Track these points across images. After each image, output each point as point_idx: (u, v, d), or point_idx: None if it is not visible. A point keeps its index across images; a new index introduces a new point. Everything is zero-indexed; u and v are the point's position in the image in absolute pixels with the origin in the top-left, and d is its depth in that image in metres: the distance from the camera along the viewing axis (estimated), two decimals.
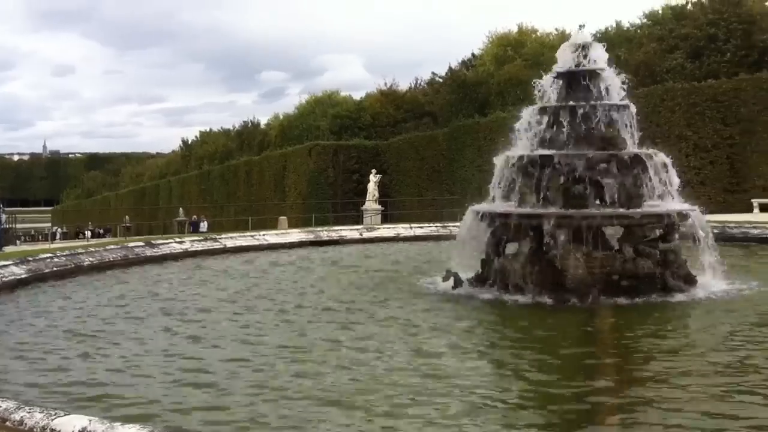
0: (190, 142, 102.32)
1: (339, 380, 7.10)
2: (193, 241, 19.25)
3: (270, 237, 20.62)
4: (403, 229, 22.47)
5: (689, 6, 43.36)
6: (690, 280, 12.10)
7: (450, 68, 58.75)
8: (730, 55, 37.84)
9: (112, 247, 17.19)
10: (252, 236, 20.41)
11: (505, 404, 6.48)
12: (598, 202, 12.45)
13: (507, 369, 7.69)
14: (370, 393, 6.70)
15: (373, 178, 40.60)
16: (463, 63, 59.69)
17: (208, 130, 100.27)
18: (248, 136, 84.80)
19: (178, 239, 19.48)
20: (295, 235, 21.37)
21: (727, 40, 38.39)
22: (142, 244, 17.93)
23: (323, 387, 6.90)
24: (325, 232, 21.74)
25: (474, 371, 7.53)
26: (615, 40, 47.28)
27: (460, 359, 7.98)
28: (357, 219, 38.61)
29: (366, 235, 21.87)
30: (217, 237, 20.03)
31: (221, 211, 60.70)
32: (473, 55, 60.08)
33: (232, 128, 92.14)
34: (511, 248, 12.84)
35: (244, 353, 8.24)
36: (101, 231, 59.57)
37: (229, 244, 19.25)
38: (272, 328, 9.76)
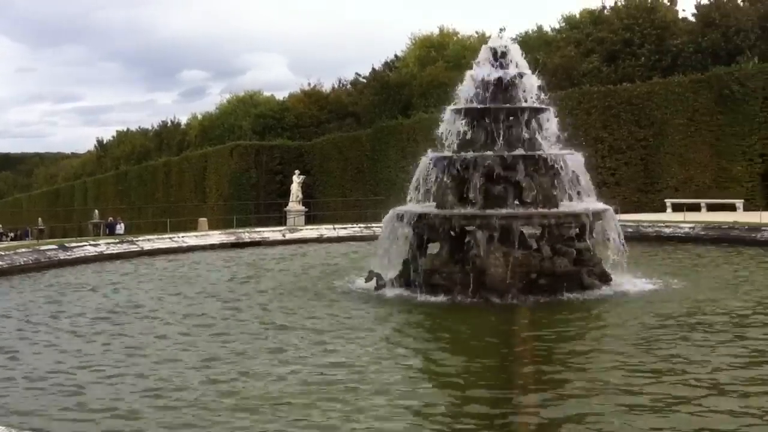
0: (105, 142, 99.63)
1: (250, 385, 7.01)
2: (109, 243, 18.71)
3: (189, 239, 20.23)
4: (326, 230, 22.39)
5: (606, 11, 44.59)
6: (605, 278, 12.41)
7: (373, 69, 58.93)
8: (644, 59, 39.08)
9: (23, 250, 16.55)
10: (171, 238, 19.97)
11: (421, 403, 6.50)
12: (517, 202, 12.65)
13: (424, 369, 7.72)
14: (285, 397, 6.63)
15: (297, 179, 40.34)
16: (387, 64, 59.91)
17: (125, 129, 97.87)
18: (167, 136, 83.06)
19: (92, 242, 18.92)
20: (216, 236, 21.03)
21: (642, 45, 39.63)
22: (54, 247, 17.31)
23: (226, 392, 6.82)
24: (246, 234, 21.45)
25: (390, 371, 7.53)
26: (535, 43, 48.30)
27: (377, 360, 7.96)
28: (280, 220, 38.30)
29: (289, 236, 21.69)
30: (134, 239, 19.52)
31: (139, 212, 59.30)
32: (396, 56, 60.39)
33: (151, 128, 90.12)
34: (432, 248, 12.93)
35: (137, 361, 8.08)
36: (13, 234, 57.31)
37: (147, 246, 18.79)
38: (177, 334, 9.43)
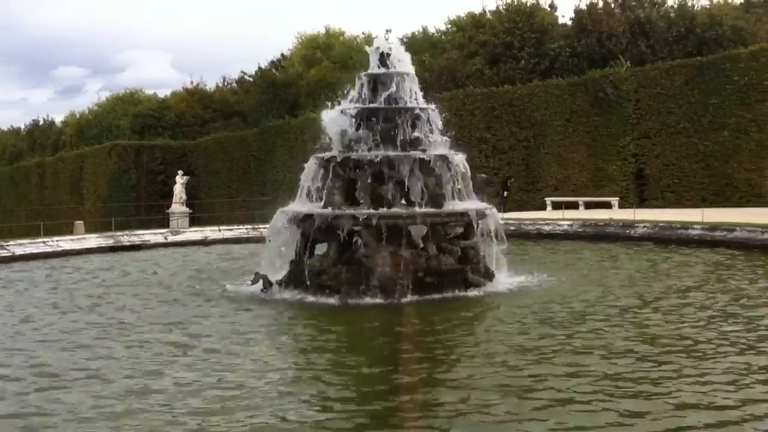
0: None
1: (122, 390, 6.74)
2: None
3: (64, 243, 19.31)
4: (211, 232, 21.90)
5: (488, 14, 45.64)
6: (488, 275, 12.70)
7: (260, 68, 58.06)
8: (524, 62, 40.25)
9: None
10: (44, 242, 19.00)
11: (310, 405, 6.41)
12: (403, 201, 12.73)
13: (311, 369, 7.61)
14: (164, 406, 6.39)
15: (180, 180, 39.29)
16: (273, 63, 59.21)
17: None
18: (41, 135, 79.12)
19: None
20: (93, 240, 20.15)
21: (522, 48, 40.80)
22: None
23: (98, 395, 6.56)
24: (126, 237, 20.67)
25: (277, 373, 7.40)
26: (421, 45, 48.92)
27: (262, 363, 7.81)
28: (163, 222, 37.18)
29: (171, 238, 21.07)
30: (4, 243, 18.46)
31: (10, 215, 56.18)
32: (283, 55, 59.81)
33: (23, 126, 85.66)
34: (320, 249, 12.85)
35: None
36: None
37: (18, 251, 17.81)
38: (50, 342, 9.00)
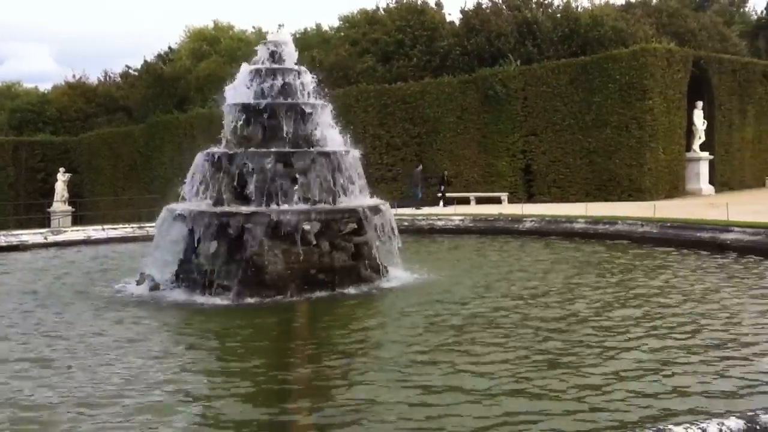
0: None
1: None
2: None
3: None
4: (94, 231, 20.95)
5: (380, 12, 45.88)
6: (383, 271, 12.67)
7: (146, 61, 56.33)
8: (416, 60, 40.68)
9: None
10: None
11: (197, 404, 6.16)
12: (296, 198, 12.54)
13: (200, 372, 7.34)
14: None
15: (62, 177, 37.73)
16: (160, 57, 57.55)
17: None
18: None
19: None
20: None
21: (413, 46, 41.22)
22: None
23: None
24: (2, 237, 19.51)
25: (163, 375, 7.09)
26: (314, 41, 48.71)
27: (148, 367, 7.46)
28: (44, 222, 35.49)
29: (51, 238, 20.02)
30: None
31: None
32: (170, 48, 58.22)
33: None
34: (210, 247, 12.46)
35: None
36: None
37: None
38: None
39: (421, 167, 31.62)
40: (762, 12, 53.88)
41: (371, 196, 13.73)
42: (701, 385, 6.57)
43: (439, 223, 21.39)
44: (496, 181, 32.66)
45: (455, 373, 6.96)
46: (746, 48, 46.71)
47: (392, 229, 13.10)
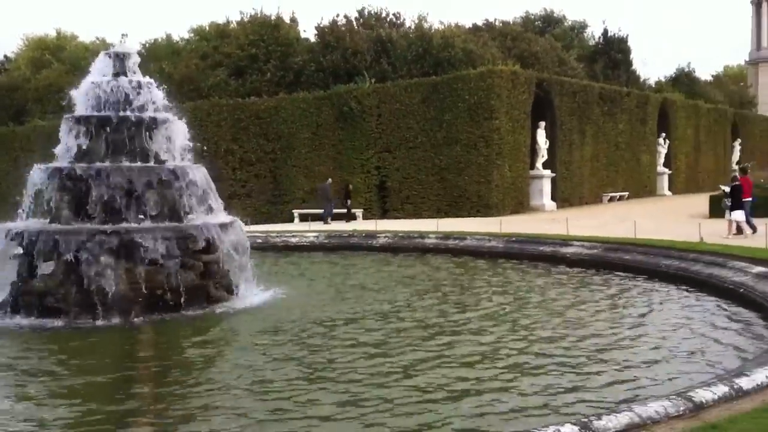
0: None
1: None
2: None
3: None
4: None
5: (232, 25, 45.22)
6: (232, 290, 12.39)
7: None
8: (270, 75, 40.37)
9: None
10: None
11: None
12: (141, 216, 12.05)
13: (36, 401, 6.86)
14: None
15: None
16: None
17: None
18: None
19: None
20: None
21: (267, 61, 40.90)
22: None
23: None
24: None
25: None
26: (164, 52, 47.29)
27: None
28: None
29: None
30: None
31: None
32: (6, 57, 54.91)
33: None
34: (46, 268, 11.76)
35: None
36: None
37: None
38: None
39: (330, 181, 31.21)
40: (599, 38, 57.49)
41: (227, 214, 13.43)
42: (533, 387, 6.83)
43: (293, 239, 21.24)
44: (351, 197, 32.85)
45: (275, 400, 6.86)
46: (584, 71, 49.63)
47: (244, 246, 12.85)
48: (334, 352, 8.57)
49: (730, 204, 18.97)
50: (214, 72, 41.32)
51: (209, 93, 39.13)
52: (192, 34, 50.41)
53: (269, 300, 12.23)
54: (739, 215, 18.70)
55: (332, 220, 29.27)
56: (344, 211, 30.75)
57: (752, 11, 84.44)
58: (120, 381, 7.70)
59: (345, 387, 7.05)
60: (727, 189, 19.64)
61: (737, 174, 20.74)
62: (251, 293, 12.49)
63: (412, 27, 43.20)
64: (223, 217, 13.09)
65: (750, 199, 19.72)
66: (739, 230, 18.46)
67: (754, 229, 18.48)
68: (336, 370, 7.73)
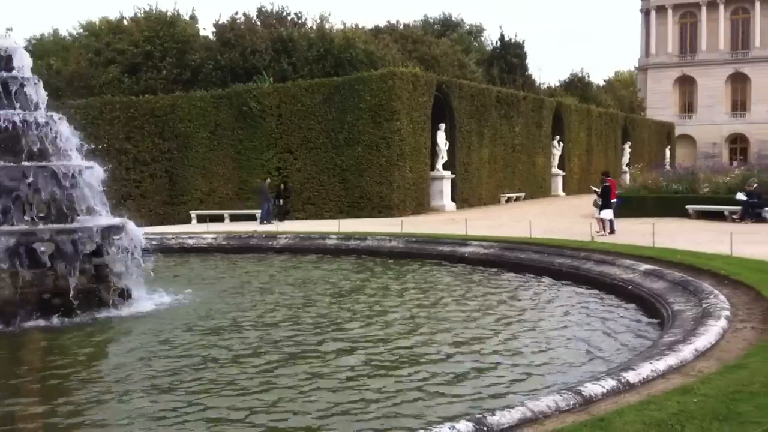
0: None
1: None
2: None
3: None
4: None
5: (126, 21, 43.88)
6: (126, 294, 11.97)
7: None
8: (166, 72, 39.41)
9: None
10: None
11: None
12: (27, 217, 11.51)
13: None
14: None
15: None
16: None
17: None
18: None
19: None
20: None
21: (163, 58, 39.91)
22: None
23: None
24: None
25: None
26: (51, 47, 45.44)
27: None
28: None
29: None
30: None
31: None
32: None
33: None
34: None
35: None
36: None
37: None
38: None
39: (269, 181, 30.39)
40: (496, 42, 58.82)
41: (121, 215, 12.99)
42: (437, 386, 6.89)
43: (190, 241, 20.78)
44: (251, 198, 32.42)
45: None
46: (482, 75, 50.69)
47: (138, 249, 12.45)
48: (217, 359, 8.39)
49: (600, 203, 20.03)
50: (107, 69, 39.97)
51: (102, 90, 37.84)
52: (82, 30, 48.57)
53: (163, 305, 11.89)
54: (607, 213, 19.73)
55: (267, 221, 28.48)
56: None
57: (641, 19, 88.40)
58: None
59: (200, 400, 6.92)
60: (598, 190, 20.65)
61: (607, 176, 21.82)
62: (144, 298, 12.12)
63: (314, 27, 43.02)
64: (116, 218, 12.67)
65: (615, 200, 20.91)
66: (606, 227, 19.50)
67: (612, 230, 19.44)
68: (210, 380, 7.58)
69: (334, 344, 8.86)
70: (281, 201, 30.47)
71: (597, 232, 19.09)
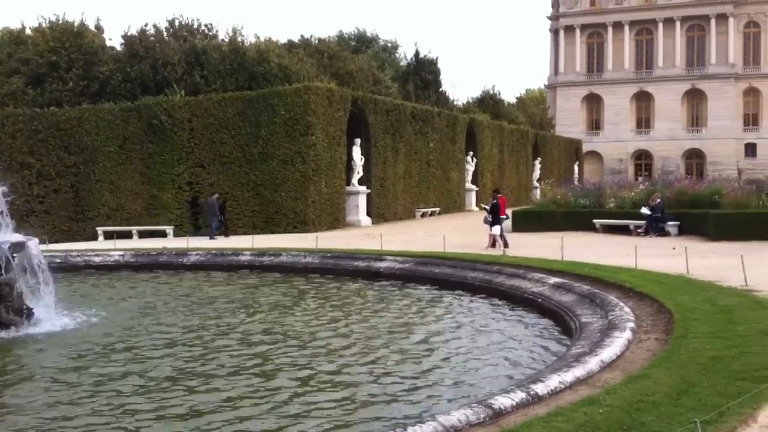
0: None
1: None
2: None
3: None
4: None
5: (28, 31, 42.36)
6: (27, 314, 11.46)
7: None
8: (73, 84, 38.17)
9: None
10: None
11: None
12: None
13: None
14: None
15: None
16: None
17: None
18: None
19: None
20: None
21: (69, 70, 38.65)
22: None
23: None
24: None
25: None
26: None
27: None
28: None
29: None
30: None
31: None
32: None
33: None
34: None
35: None
36: None
37: None
38: None
39: (217, 195, 29.36)
40: (411, 59, 59.47)
41: (20, 231, 12.42)
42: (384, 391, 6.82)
43: (97, 258, 20.08)
44: (160, 214, 31.63)
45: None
46: (397, 90, 51.12)
47: (40, 267, 11.94)
48: (120, 381, 8.11)
49: (491, 220, 20.48)
50: (9, 80, 38.46)
51: (3, 102, 36.36)
52: None
53: (65, 325, 11.40)
54: (497, 230, 20.24)
55: (216, 236, 27.95)
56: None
57: (550, 39, 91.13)
58: None
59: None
60: (488, 207, 21.14)
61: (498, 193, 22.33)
62: (47, 317, 11.60)
63: (226, 40, 42.50)
64: (16, 235, 12.12)
65: (504, 216, 21.40)
66: (495, 243, 19.88)
67: (506, 244, 19.85)
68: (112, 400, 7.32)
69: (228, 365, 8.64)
70: (222, 217, 29.89)
71: (485, 248, 19.46)
